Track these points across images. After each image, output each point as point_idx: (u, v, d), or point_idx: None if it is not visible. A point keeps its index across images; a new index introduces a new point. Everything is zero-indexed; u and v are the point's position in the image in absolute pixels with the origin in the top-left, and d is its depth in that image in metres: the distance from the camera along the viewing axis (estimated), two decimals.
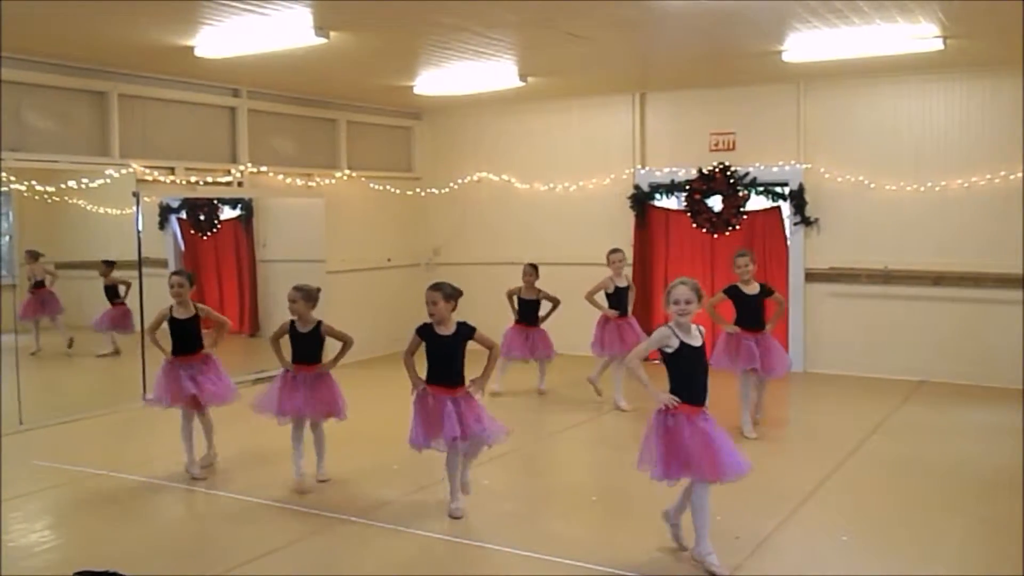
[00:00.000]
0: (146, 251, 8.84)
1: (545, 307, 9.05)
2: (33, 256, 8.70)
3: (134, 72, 8.71)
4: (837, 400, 8.83)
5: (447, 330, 5.43)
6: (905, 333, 9.57)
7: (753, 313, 7.39)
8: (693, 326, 4.79)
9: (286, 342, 6.22)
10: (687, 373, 4.72)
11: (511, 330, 8.99)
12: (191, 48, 7.50)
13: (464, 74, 9.03)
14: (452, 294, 5.41)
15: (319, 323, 6.17)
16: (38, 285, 8.93)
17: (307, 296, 6.10)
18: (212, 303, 10.64)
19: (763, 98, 10.09)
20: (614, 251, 8.58)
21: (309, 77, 9.28)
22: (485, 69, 8.77)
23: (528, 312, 9.03)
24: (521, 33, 7.39)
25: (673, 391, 4.70)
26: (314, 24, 6.80)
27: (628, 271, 9.25)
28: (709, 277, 10.42)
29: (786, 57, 8.11)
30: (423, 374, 5.47)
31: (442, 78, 9.28)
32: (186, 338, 6.44)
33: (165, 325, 6.47)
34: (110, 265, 9.24)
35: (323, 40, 7.04)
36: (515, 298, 9.09)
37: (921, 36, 7.47)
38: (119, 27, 6.94)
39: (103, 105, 8.61)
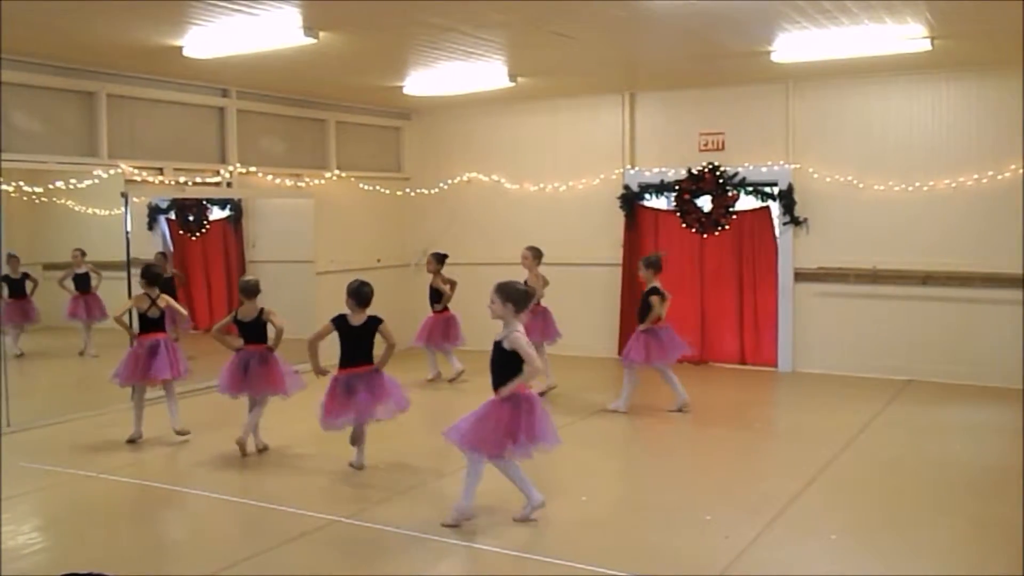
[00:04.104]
0: (135, 252, 8.81)
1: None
2: (14, 260, 8.67)
3: (122, 72, 8.68)
4: (825, 399, 8.85)
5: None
6: (893, 333, 9.61)
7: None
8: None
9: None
10: None
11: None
12: (180, 48, 7.48)
13: (453, 74, 9.02)
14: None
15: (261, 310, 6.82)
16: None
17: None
18: (200, 303, 10.68)
19: (752, 98, 10.11)
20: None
21: (298, 77, 9.27)
22: (474, 69, 8.77)
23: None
24: (510, 33, 7.40)
25: None
26: (303, 24, 6.79)
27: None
28: (698, 277, 10.45)
29: (775, 57, 8.14)
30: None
31: (431, 78, 9.28)
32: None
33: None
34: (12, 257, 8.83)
35: (312, 40, 7.02)
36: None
37: (909, 37, 7.51)
38: (107, 27, 6.92)
39: (91, 105, 8.57)
